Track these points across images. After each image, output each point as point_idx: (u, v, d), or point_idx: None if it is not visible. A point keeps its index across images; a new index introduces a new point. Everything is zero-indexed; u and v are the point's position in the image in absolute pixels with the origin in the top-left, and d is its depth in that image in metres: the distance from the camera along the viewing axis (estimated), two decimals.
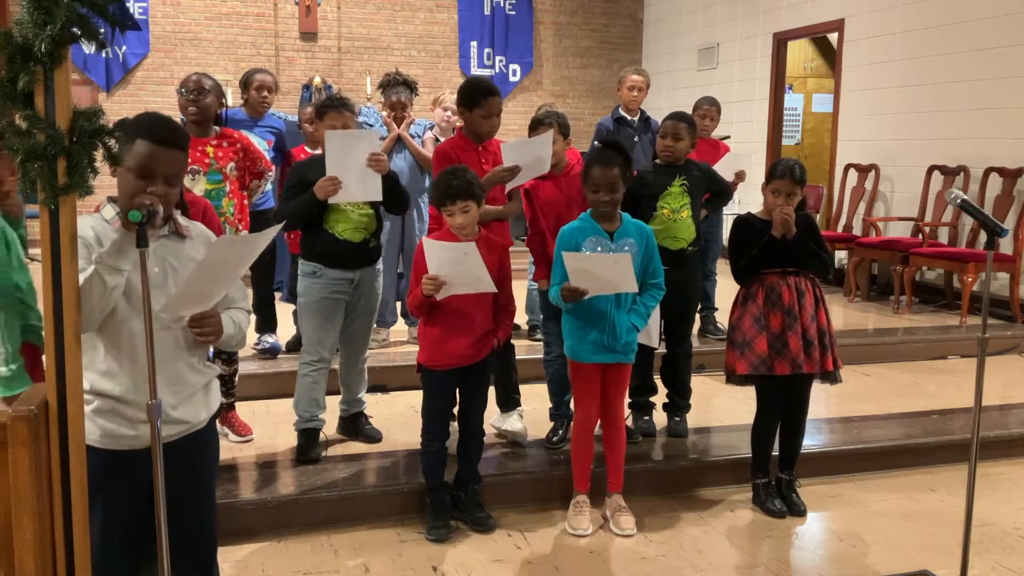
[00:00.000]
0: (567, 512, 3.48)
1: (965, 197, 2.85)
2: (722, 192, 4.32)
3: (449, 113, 5.38)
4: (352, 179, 3.52)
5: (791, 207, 3.41)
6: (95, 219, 2.22)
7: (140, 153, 2.11)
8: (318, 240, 3.69)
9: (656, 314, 3.91)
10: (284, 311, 5.24)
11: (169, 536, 2.03)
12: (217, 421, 4.06)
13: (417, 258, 3.30)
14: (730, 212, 4.58)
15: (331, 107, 3.72)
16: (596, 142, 5.55)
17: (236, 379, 4.12)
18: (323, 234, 3.67)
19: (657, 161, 4.06)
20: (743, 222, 3.56)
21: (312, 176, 3.57)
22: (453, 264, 3.14)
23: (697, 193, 3.98)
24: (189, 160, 3.81)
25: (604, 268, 3.18)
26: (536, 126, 3.92)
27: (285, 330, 5.18)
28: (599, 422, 3.50)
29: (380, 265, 3.89)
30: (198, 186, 3.83)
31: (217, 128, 4.00)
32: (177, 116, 4.35)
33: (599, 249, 3.30)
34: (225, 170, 3.93)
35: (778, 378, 3.46)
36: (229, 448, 3.89)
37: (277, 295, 6.49)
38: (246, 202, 4.20)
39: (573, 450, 3.53)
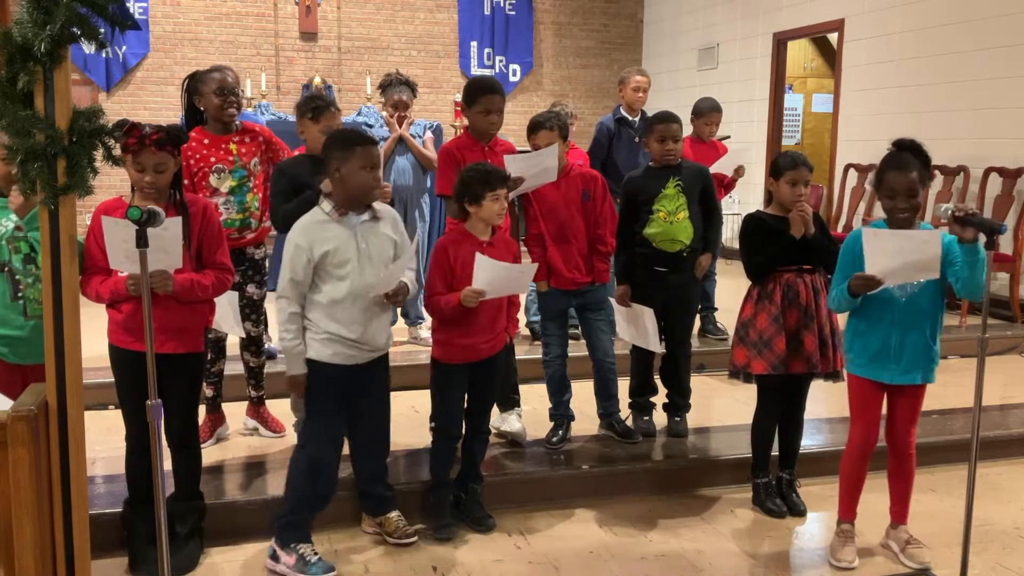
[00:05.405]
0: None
1: (953, 207, 2.76)
2: (712, 208, 4.04)
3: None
4: None
5: (808, 205, 3.38)
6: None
7: (365, 153, 2.91)
8: None
9: (654, 317, 3.91)
10: None
11: (357, 430, 3.15)
12: (247, 415, 4.10)
13: (440, 259, 3.27)
14: (731, 212, 4.56)
15: (325, 108, 3.73)
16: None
17: (264, 373, 4.11)
18: None
19: (650, 164, 4.03)
20: (754, 220, 3.53)
21: (299, 177, 3.57)
22: (506, 281, 3.25)
23: (693, 193, 3.94)
24: (215, 159, 3.83)
25: (912, 247, 2.86)
26: (536, 129, 3.85)
27: None
28: (877, 450, 3.23)
29: None
30: (225, 183, 3.84)
31: (239, 124, 3.99)
32: (178, 116, 4.33)
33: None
34: (249, 165, 3.93)
35: (784, 376, 3.45)
36: (231, 447, 3.89)
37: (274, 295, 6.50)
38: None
39: (844, 475, 3.25)
